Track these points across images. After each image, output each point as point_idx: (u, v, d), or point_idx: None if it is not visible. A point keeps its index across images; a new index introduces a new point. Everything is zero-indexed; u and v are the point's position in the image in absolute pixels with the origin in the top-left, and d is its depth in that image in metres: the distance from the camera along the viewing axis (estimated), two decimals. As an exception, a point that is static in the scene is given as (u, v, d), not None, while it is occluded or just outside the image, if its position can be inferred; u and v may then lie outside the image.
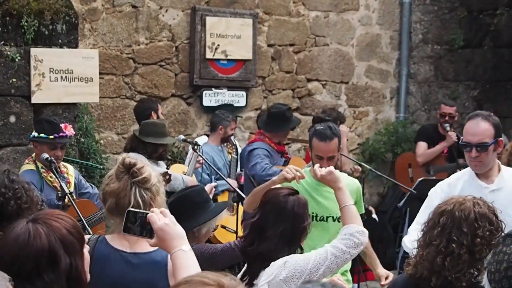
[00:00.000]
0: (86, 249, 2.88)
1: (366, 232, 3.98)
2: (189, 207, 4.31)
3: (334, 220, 5.04)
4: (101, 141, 8.72)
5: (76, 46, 7.75)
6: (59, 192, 5.85)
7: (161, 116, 8.18)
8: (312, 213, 4.96)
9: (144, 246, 3.29)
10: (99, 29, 8.88)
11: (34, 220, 2.72)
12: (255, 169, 7.56)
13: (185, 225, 4.28)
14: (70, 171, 6.43)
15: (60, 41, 7.55)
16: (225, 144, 8.36)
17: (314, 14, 10.45)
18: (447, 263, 3.26)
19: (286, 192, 3.93)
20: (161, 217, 2.92)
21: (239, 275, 3.89)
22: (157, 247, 3.00)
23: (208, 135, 8.70)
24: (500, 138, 4.67)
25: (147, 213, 2.95)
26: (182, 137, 7.78)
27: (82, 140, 8.05)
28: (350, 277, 5.31)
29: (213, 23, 9.45)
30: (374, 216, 8.64)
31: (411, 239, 4.51)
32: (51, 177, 6.12)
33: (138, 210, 3.02)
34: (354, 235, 3.89)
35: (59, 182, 5.83)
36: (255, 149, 7.77)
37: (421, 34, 11.19)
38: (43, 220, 2.72)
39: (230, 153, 8.28)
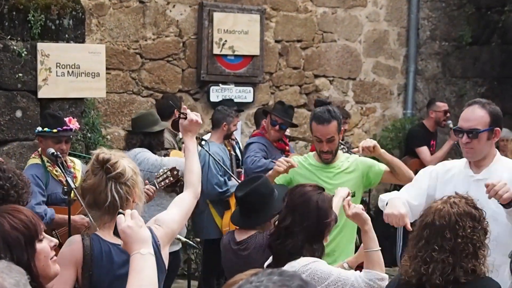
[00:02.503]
0: (49, 243, 2.89)
1: (386, 277, 3.93)
2: (261, 199, 4.52)
3: None
4: (108, 136, 8.72)
5: (83, 41, 7.76)
6: (64, 187, 5.85)
7: None
8: None
9: None
10: (106, 24, 8.88)
11: None
12: (246, 162, 7.60)
13: (263, 215, 4.45)
14: (77, 165, 6.42)
15: (67, 36, 7.55)
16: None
17: (322, 10, 10.43)
18: (430, 270, 3.33)
19: (311, 188, 3.96)
20: (127, 219, 2.93)
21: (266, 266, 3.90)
22: None
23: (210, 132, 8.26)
24: (497, 128, 4.50)
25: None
26: None
27: (89, 135, 8.04)
28: None
29: (220, 18, 9.44)
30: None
31: (385, 198, 4.59)
32: (56, 171, 6.13)
33: (121, 211, 3.03)
34: (375, 281, 3.85)
35: (65, 176, 5.83)
36: (251, 143, 7.78)
37: (429, 30, 11.16)
38: None
39: (230, 150, 8.08)
